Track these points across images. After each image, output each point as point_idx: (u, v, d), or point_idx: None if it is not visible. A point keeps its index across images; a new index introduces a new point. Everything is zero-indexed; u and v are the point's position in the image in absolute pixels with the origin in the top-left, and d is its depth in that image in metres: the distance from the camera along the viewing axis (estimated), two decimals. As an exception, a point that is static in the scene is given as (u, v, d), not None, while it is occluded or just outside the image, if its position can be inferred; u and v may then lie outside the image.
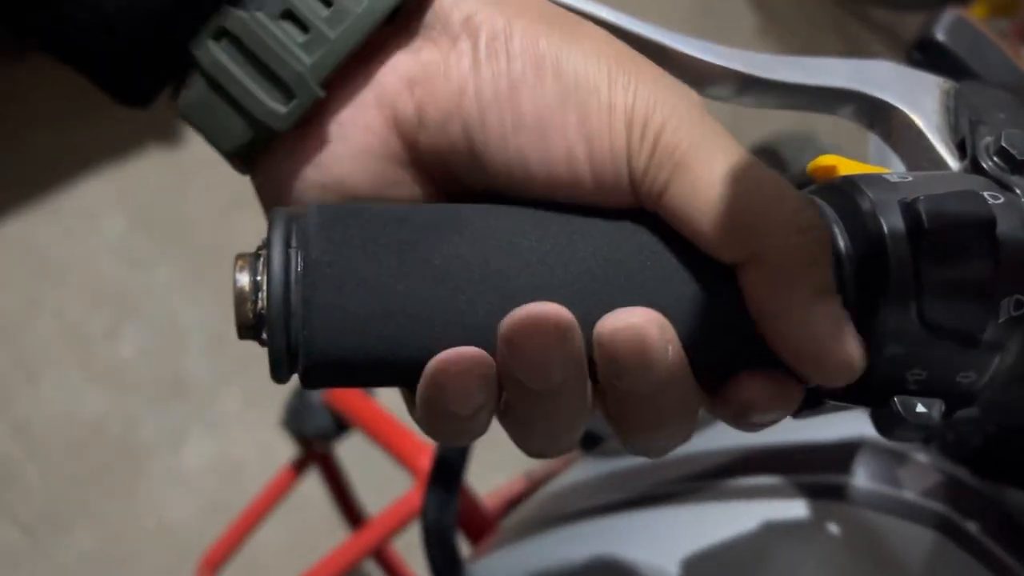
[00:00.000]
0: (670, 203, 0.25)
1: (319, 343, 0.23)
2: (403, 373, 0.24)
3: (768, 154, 1.20)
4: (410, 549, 1.34)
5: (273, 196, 0.28)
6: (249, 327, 0.24)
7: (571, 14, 0.28)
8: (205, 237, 1.62)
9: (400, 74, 0.27)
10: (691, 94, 0.27)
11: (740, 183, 0.25)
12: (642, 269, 0.25)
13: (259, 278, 0.24)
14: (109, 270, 1.56)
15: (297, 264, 0.23)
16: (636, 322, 0.24)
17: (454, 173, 0.27)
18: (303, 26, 0.26)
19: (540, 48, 0.26)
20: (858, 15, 2.41)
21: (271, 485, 0.99)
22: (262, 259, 0.24)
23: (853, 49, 2.38)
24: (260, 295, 0.24)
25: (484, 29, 0.26)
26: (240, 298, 0.24)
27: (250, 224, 1.77)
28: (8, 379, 1.46)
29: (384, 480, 1.30)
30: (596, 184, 0.26)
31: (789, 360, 0.26)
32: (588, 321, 0.24)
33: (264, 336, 0.24)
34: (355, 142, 0.27)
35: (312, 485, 1.13)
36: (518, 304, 0.24)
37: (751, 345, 0.26)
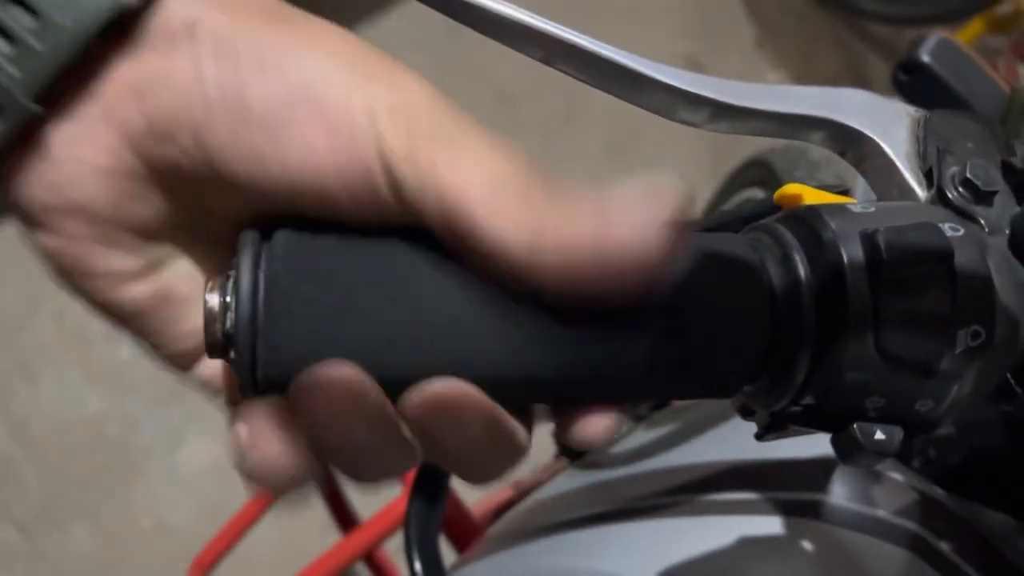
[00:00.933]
0: (444, 190, 0.24)
1: (282, 362, 0.24)
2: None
3: (761, 167, 1.20)
4: (401, 553, 1.35)
5: (23, 219, 0.27)
6: (218, 346, 0.25)
7: (304, 14, 0.27)
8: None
9: (123, 85, 0.25)
10: (439, 95, 0.26)
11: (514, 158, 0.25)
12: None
13: (228, 299, 0.24)
14: (109, 272, 1.58)
15: (263, 286, 0.24)
16: (439, 392, 0.24)
17: (196, 190, 0.26)
18: (9, 38, 0.24)
19: (265, 47, 0.25)
20: (856, 29, 2.41)
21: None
22: (231, 280, 0.24)
23: (850, 63, 2.39)
24: (229, 315, 0.24)
25: (207, 33, 0.25)
26: (210, 318, 0.24)
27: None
28: (8, 379, 1.46)
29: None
30: (345, 186, 0.25)
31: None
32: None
33: (232, 355, 0.24)
34: (87, 162, 0.25)
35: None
36: (486, 316, 0.25)
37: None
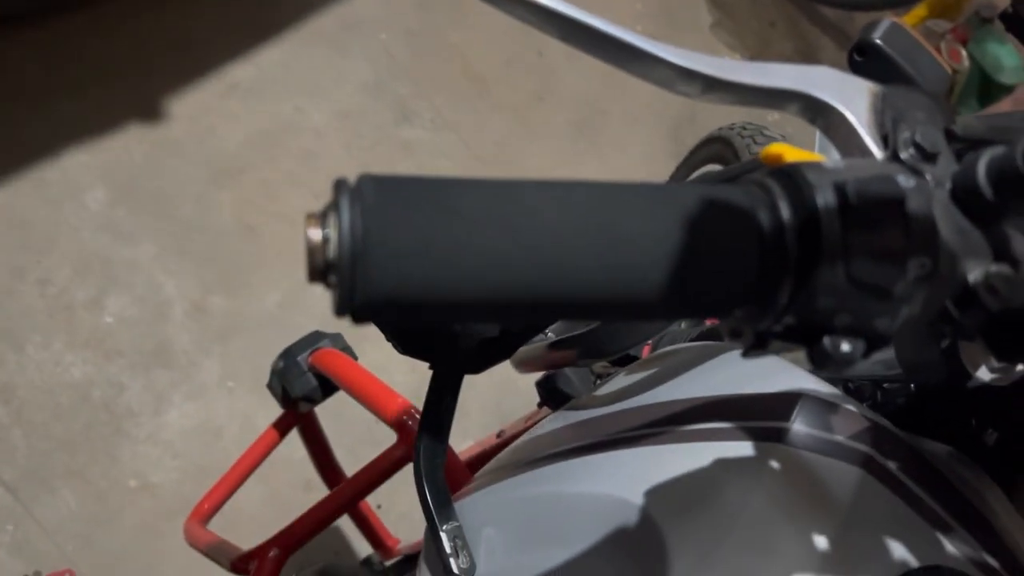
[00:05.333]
0: None
1: (378, 289, 0.29)
2: (443, 306, 0.30)
3: (722, 143, 1.26)
4: (380, 511, 1.40)
5: None
6: (320, 272, 0.30)
7: None
8: (185, 211, 1.64)
9: None
10: None
11: None
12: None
13: (327, 231, 0.29)
14: (92, 241, 1.58)
15: (359, 219, 0.29)
16: None
17: None
18: None
19: None
20: (809, 13, 2.48)
21: (257, 442, 1.03)
22: (331, 217, 0.30)
23: (804, 44, 2.46)
24: (329, 247, 0.29)
25: None
26: (312, 249, 0.30)
27: (228, 198, 1.78)
28: (-7, 345, 1.47)
29: (354, 442, 1.35)
30: None
31: None
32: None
33: (331, 279, 0.30)
34: None
35: (288, 447, 1.17)
36: (525, 241, 0.30)
37: None
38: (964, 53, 1.92)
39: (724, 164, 1.26)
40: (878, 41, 0.57)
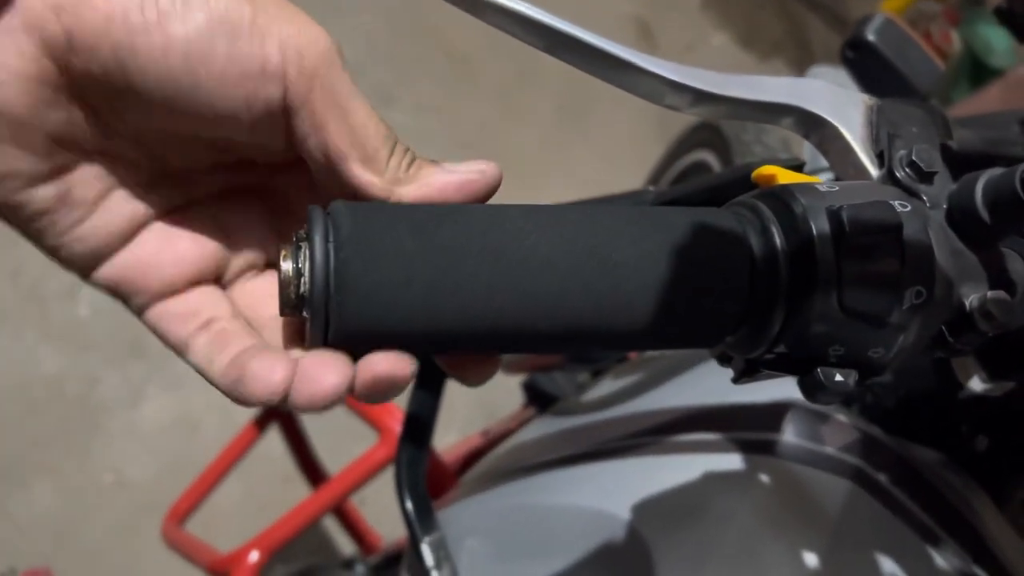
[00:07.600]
0: (329, 149, 0.30)
1: (350, 323, 0.28)
2: (422, 339, 0.29)
3: (712, 131, 1.25)
4: (363, 505, 1.39)
5: None
6: (292, 305, 0.28)
7: None
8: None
9: (44, 1, 0.26)
10: (331, 41, 0.30)
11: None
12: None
13: (300, 265, 0.28)
14: (65, 230, 1.55)
15: (332, 254, 0.28)
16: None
17: (110, 102, 0.28)
18: None
19: None
20: (800, -6, 2.47)
21: (235, 441, 1.02)
22: (303, 249, 0.28)
23: (793, 25, 2.44)
24: (303, 280, 0.28)
25: None
26: (284, 282, 0.28)
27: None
28: (-35, 339, 1.44)
29: (337, 439, 1.34)
30: (249, 116, 0.29)
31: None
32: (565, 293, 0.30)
33: (305, 313, 0.28)
34: (5, 67, 0.26)
35: (265, 443, 1.16)
36: (510, 270, 0.29)
37: None
38: (955, 35, 1.91)
39: (712, 151, 1.25)
40: (871, 38, 0.56)
